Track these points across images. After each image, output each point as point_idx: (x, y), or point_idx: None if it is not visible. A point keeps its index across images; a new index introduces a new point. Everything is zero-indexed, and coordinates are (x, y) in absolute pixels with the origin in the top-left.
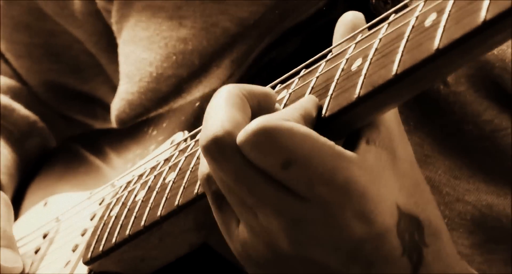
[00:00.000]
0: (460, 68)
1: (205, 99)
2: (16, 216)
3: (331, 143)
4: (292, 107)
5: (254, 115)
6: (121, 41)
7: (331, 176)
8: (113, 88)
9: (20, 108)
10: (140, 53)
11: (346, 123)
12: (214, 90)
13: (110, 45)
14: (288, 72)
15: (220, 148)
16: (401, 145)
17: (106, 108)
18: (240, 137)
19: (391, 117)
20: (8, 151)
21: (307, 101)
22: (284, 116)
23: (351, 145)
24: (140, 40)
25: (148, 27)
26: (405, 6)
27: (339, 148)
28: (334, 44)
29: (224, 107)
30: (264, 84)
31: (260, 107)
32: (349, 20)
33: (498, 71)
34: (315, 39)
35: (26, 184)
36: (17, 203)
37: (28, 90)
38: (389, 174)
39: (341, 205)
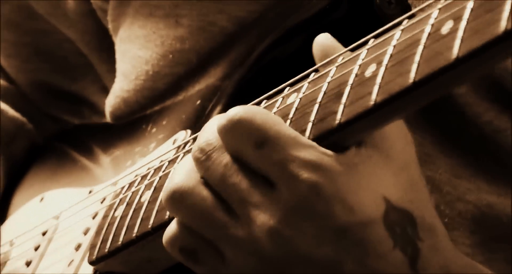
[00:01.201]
0: (477, 77)
1: (205, 97)
2: (5, 214)
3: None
4: None
5: None
6: (117, 39)
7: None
8: (102, 88)
9: (7, 110)
10: (136, 51)
11: (359, 130)
12: (212, 89)
13: (102, 44)
14: (291, 70)
15: (209, 149)
16: (398, 144)
17: (93, 108)
18: (221, 120)
19: None
20: None
21: None
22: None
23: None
24: (137, 38)
25: (144, 25)
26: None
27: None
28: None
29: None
30: (268, 84)
31: None
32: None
33: (499, 72)
34: None
35: (13, 183)
36: (5, 202)
37: (16, 89)
38: (381, 172)
39: (320, 187)
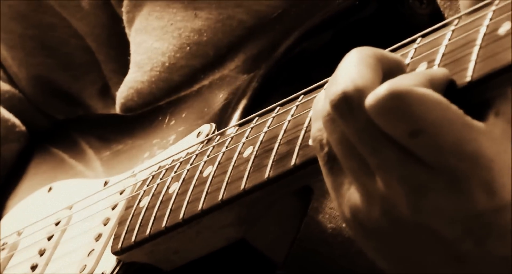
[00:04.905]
0: None
1: (225, 89)
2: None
3: (461, 112)
4: (421, 72)
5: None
6: (132, 30)
7: (460, 146)
8: (100, 90)
9: (0, 111)
10: (152, 43)
11: (486, 90)
12: (230, 80)
13: (111, 41)
14: (317, 66)
15: (349, 104)
16: None
17: (88, 111)
18: (370, 100)
19: None
20: None
21: (439, 71)
22: (414, 82)
23: (480, 115)
24: (153, 30)
25: (162, 17)
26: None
27: (469, 118)
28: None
29: (357, 65)
30: (294, 79)
31: (391, 74)
32: None
33: None
34: (347, 33)
35: (5, 185)
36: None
37: (13, 88)
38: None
39: (468, 175)
